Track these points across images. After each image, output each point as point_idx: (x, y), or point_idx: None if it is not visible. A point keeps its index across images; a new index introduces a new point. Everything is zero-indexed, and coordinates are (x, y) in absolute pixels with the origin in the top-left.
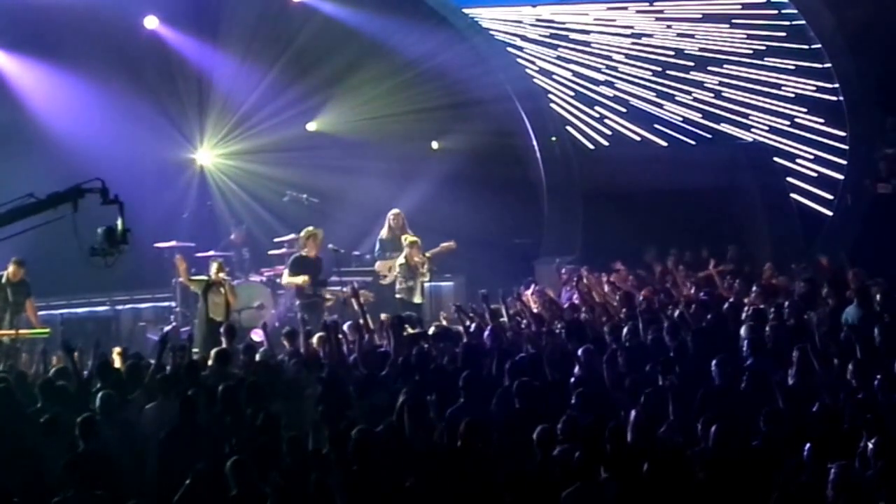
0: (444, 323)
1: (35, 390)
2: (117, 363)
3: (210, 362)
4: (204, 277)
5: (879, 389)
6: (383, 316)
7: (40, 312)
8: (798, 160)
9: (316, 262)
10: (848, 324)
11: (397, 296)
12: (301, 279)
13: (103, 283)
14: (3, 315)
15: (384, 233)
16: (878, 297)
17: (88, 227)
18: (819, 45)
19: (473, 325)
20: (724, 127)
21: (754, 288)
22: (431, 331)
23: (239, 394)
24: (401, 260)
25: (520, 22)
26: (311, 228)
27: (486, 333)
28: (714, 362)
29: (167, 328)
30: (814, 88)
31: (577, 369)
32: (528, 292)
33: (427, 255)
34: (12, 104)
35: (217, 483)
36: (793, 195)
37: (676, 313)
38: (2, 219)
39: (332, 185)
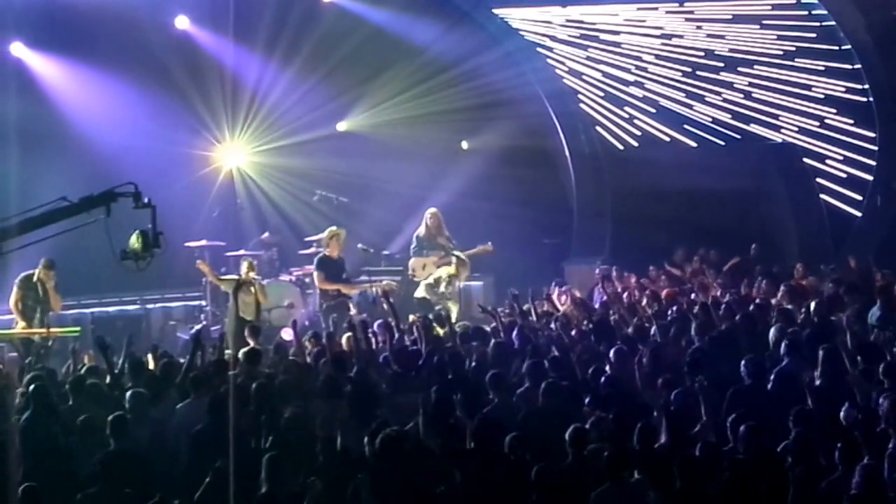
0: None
1: (66, 388)
2: (150, 364)
3: (240, 361)
4: (234, 277)
5: None
6: (412, 317)
7: (71, 311)
8: (827, 161)
9: (339, 262)
10: (874, 324)
11: (418, 295)
12: (332, 286)
13: (134, 282)
14: (34, 314)
15: (421, 230)
16: None
17: (120, 229)
18: (849, 46)
19: (506, 322)
20: (753, 128)
21: (782, 288)
22: (459, 330)
23: (268, 392)
24: (450, 270)
25: (549, 22)
26: (333, 228)
27: (515, 333)
28: (743, 363)
29: (198, 327)
30: (843, 89)
31: (607, 369)
32: (557, 293)
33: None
34: (44, 105)
35: (245, 481)
36: (822, 196)
37: (703, 313)
38: (35, 222)
39: (362, 184)
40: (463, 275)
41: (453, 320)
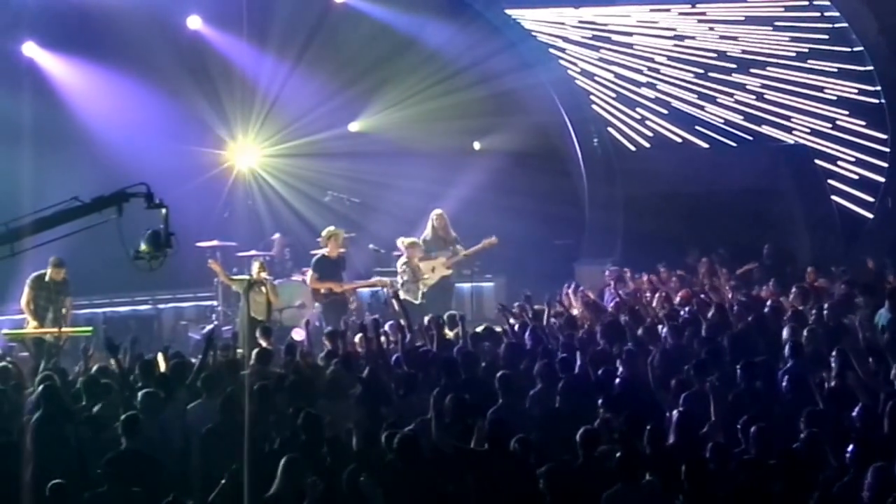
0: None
1: (78, 388)
2: (162, 366)
3: (251, 361)
4: (245, 277)
5: None
6: (427, 319)
7: (83, 311)
8: (839, 162)
9: (336, 262)
10: (883, 325)
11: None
12: (322, 285)
13: (146, 282)
14: (46, 314)
15: (427, 233)
16: None
17: (132, 229)
18: (861, 48)
19: (518, 325)
20: (765, 129)
21: (794, 289)
22: (471, 331)
23: (279, 392)
24: (402, 260)
25: (562, 24)
26: (331, 228)
27: (527, 334)
28: (739, 366)
29: (210, 327)
30: (855, 91)
31: (620, 370)
32: (570, 293)
33: (460, 255)
34: (56, 105)
35: (256, 481)
36: (833, 197)
37: (716, 315)
38: (47, 222)
39: (374, 185)
40: (416, 255)
41: (418, 302)
